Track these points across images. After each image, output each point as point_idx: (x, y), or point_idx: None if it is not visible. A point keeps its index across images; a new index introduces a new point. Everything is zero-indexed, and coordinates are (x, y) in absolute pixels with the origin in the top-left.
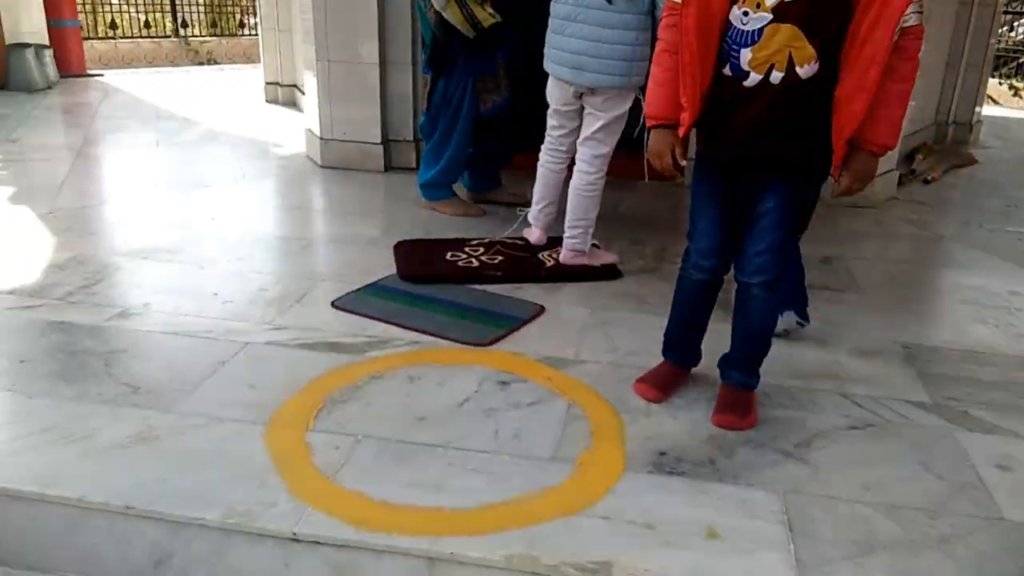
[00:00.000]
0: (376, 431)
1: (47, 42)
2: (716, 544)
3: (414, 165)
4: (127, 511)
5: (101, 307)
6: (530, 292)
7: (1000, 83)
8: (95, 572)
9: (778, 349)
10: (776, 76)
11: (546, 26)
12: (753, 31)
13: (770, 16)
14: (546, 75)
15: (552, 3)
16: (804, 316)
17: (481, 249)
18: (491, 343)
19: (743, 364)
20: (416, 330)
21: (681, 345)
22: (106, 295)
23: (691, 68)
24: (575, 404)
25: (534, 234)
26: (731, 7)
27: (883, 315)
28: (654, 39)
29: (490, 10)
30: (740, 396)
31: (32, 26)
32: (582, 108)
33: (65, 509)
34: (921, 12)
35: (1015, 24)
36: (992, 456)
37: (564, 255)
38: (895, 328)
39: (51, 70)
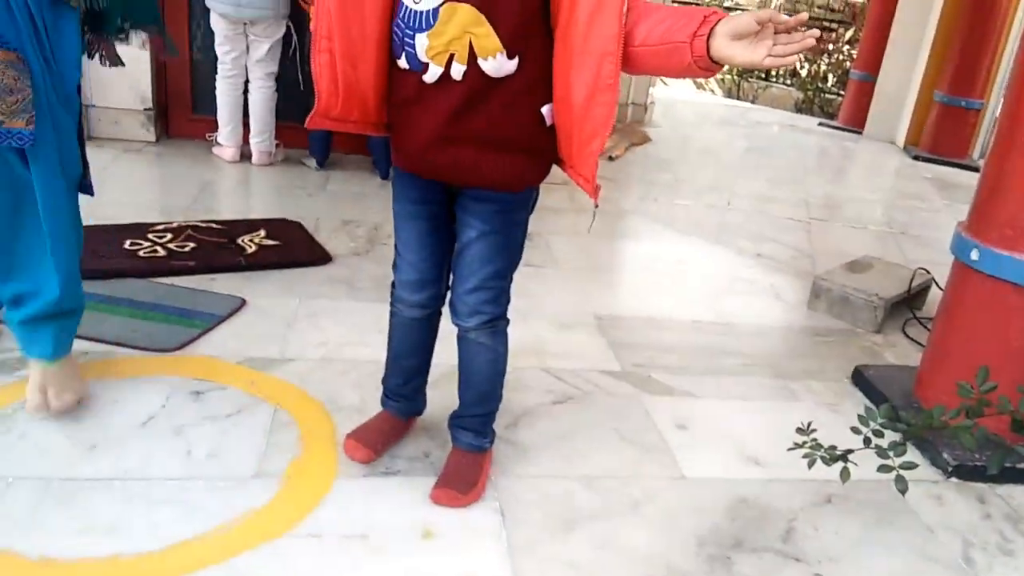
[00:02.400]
0: (32, 469)
1: None
2: (431, 544)
3: None
4: None
5: None
6: (229, 283)
7: None
8: None
9: None
10: (458, 70)
11: None
12: (427, 12)
13: None
14: None
15: None
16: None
17: (169, 235)
18: (181, 347)
19: (474, 424)
20: (85, 339)
21: (401, 392)
22: None
23: (328, 42)
24: (281, 409)
25: (228, 152)
26: None
27: (578, 288)
28: None
29: None
30: (470, 460)
31: None
32: (245, 36)
33: None
34: None
35: None
36: (673, 418)
37: (258, 157)
38: (589, 300)
39: None
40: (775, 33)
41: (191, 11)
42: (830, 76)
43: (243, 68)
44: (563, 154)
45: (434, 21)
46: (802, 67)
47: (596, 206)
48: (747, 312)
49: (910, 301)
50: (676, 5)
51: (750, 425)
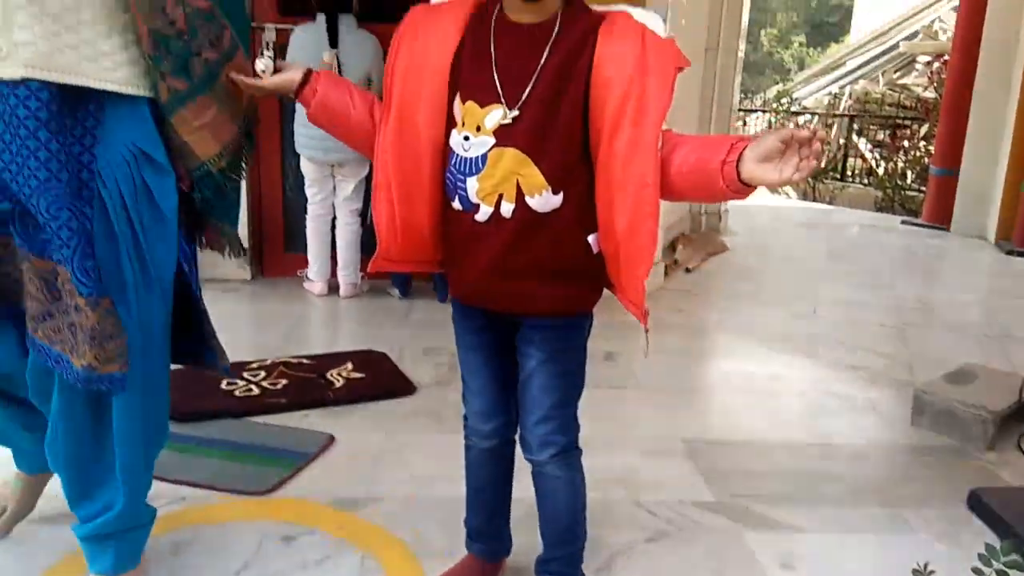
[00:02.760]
0: None
1: None
2: None
3: None
4: None
5: None
6: (318, 420)
7: None
8: None
9: None
10: (507, 208)
11: None
12: (476, 158)
13: (492, 140)
14: None
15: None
16: None
17: (262, 373)
18: (273, 489)
19: (561, 567)
20: (183, 483)
21: (484, 532)
22: None
23: (387, 191)
24: (369, 555)
25: (317, 286)
26: (450, 132)
27: (664, 410)
28: None
29: None
30: None
31: None
32: (332, 177)
33: None
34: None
35: (745, 120)
36: (778, 556)
37: (345, 290)
38: (677, 423)
39: None
40: (799, 148)
41: (283, 156)
42: (909, 173)
43: (331, 207)
44: (612, 279)
45: (483, 165)
46: (878, 165)
47: (646, 330)
48: (846, 431)
49: (1022, 413)
50: (706, 135)
51: (861, 562)
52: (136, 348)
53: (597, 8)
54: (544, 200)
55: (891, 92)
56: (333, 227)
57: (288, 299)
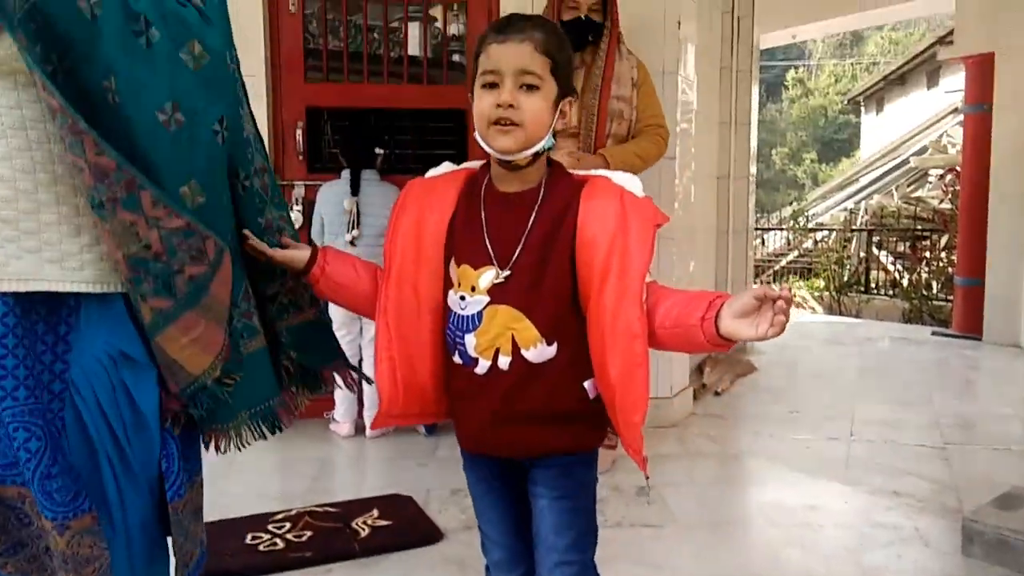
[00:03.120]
0: None
1: None
2: None
3: None
4: None
5: None
6: (345, 572)
7: None
8: None
9: None
10: (504, 361)
11: None
12: (473, 315)
13: (487, 298)
14: None
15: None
16: None
17: (287, 525)
18: None
19: None
20: None
21: None
22: None
23: (388, 351)
24: None
25: (344, 428)
26: (447, 292)
27: (703, 550)
28: None
29: None
30: None
31: None
32: (359, 319)
33: None
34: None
35: (763, 239)
36: None
37: (372, 432)
38: (718, 564)
39: None
40: (773, 303)
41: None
42: (934, 283)
43: (358, 348)
44: (613, 425)
45: (479, 322)
46: (902, 277)
47: (647, 476)
48: (896, 566)
49: None
50: (688, 291)
51: None
52: (122, 558)
53: (578, 174)
54: (539, 352)
55: (906, 205)
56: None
57: (314, 441)
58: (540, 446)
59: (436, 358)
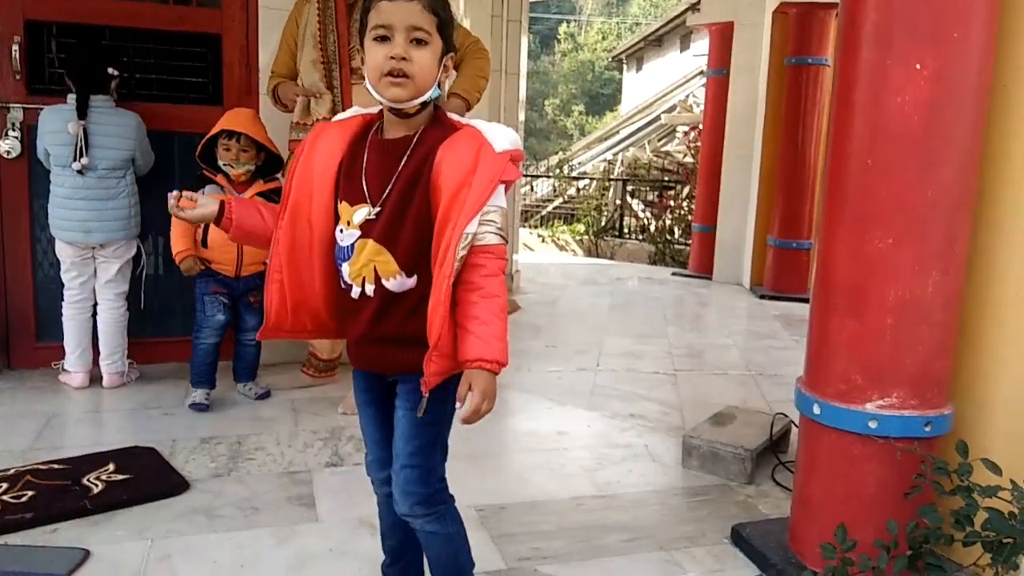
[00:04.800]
0: None
1: None
2: None
3: None
4: None
5: None
6: (72, 531)
7: (530, 233)
8: None
9: None
10: (369, 288)
11: None
12: (348, 247)
13: (358, 232)
14: None
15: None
16: None
17: (4, 485)
18: None
19: None
20: None
21: (386, 574)
22: None
23: (278, 276)
24: None
25: (76, 378)
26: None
27: (458, 479)
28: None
29: None
30: None
31: None
32: (93, 259)
33: None
34: (502, 234)
35: (532, 184)
36: None
37: (110, 380)
38: (468, 491)
39: None
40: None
41: (33, 236)
42: (676, 229)
43: (91, 291)
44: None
45: (351, 253)
46: (650, 223)
47: (424, 396)
48: (626, 480)
49: (775, 446)
50: (486, 319)
51: None
52: None
53: (459, 122)
54: (399, 282)
55: (656, 158)
56: (94, 313)
57: (41, 394)
58: (396, 365)
59: (327, 283)
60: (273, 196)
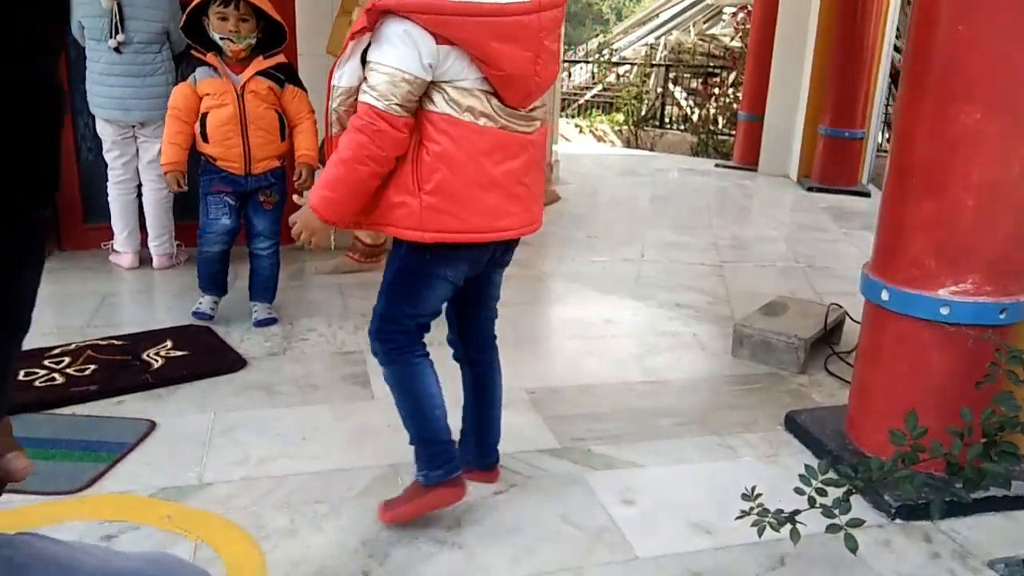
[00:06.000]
0: None
1: None
2: None
3: None
4: None
5: None
6: (136, 405)
7: (567, 123)
8: None
9: None
10: None
11: None
12: None
13: None
14: None
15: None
16: None
17: (67, 359)
18: (87, 486)
19: (417, 455)
20: None
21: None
22: None
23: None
24: (203, 543)
25: (126, 259)
26: None
27: (507, 362)
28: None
29: None
30: (410, 489)
31: None
32: (135, 138)
33: None
34: (372, 92)
35: (570, 71)
36: (618, 492)
37: (159, 261)
38: (520, 374)
39: None
40: None
41: (75, 117)
42: (720, 119)
43: (135, 171)
44: None
45: None
46: (692, 112)
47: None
48: (675, 367)
49: (828, 337)
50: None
51: (694, 490)
52: None
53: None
54: None
55: (701, 42)
56: (140, 194)
57: (93, 275)
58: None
59: None
60: (276, 74)
